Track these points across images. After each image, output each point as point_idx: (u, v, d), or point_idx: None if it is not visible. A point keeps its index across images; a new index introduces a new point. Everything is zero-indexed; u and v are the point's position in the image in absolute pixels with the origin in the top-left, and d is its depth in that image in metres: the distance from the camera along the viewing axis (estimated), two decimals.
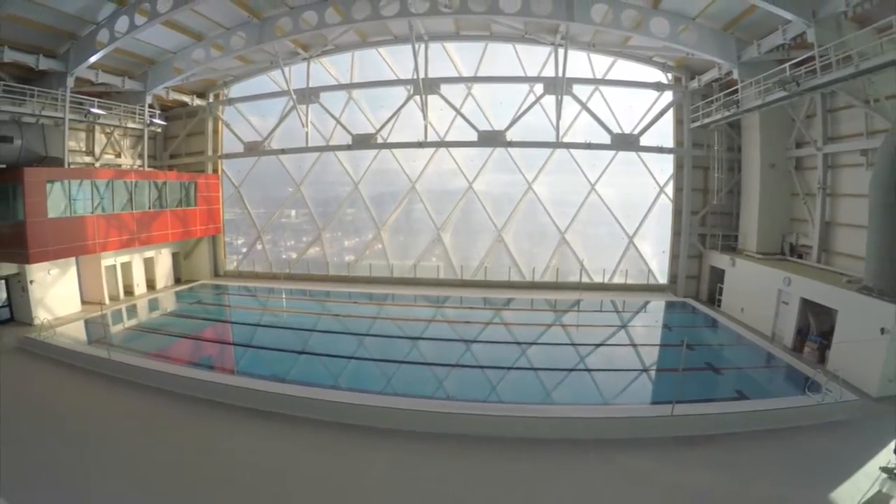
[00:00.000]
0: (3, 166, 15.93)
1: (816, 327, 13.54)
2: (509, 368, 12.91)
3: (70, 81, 16.54)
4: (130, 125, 19.76)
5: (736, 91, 15.82)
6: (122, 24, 15.12)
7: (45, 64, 16.18)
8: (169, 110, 22.74)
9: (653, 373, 13.30)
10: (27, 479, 7.37)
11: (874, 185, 11.91)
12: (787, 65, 13.30)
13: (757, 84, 14.54)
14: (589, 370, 13.32)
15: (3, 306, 17.27)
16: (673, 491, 7.61)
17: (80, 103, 17.30)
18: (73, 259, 17.91)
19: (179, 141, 23.32)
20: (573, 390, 12.17)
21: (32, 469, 7.59)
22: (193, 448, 8.76)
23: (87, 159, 20.28)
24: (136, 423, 9.66)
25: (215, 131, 23.28)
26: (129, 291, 20.54)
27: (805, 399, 10.13)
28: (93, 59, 16.07)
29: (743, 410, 9.90)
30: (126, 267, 20.51)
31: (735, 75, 15.82)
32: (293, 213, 24.68)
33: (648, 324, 18.52)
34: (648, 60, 19.54)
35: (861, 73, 11.43)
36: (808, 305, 13.79)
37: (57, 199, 15.77)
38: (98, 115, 17.65)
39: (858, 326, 11.42)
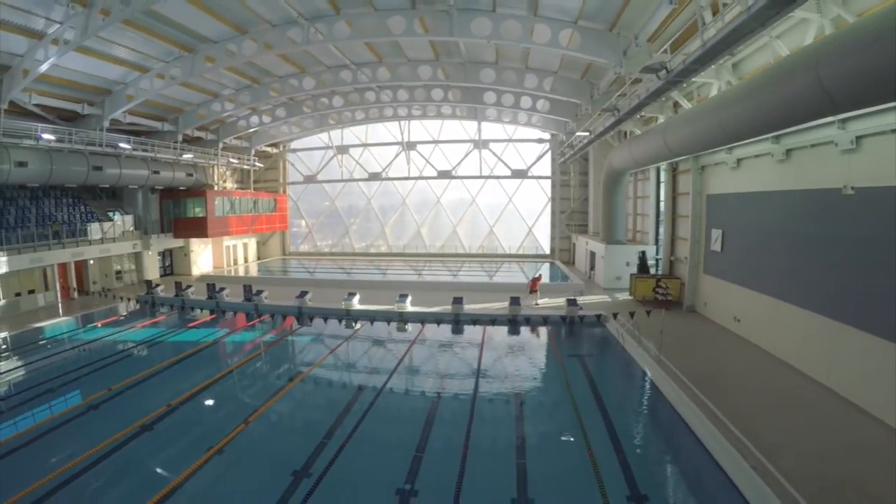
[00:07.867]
0: (184, 189, 30.85)
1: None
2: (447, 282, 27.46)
3: (220, 145, 31.50)
4: (244, 166, 34.77)
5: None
6: (255, 119, 30.11)
7: (208, 136, 31.18)
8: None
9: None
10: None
11: (602, 193, 26.39)
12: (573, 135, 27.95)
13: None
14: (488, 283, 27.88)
15: (167, 265, 32.00)
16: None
17: (223, 155, 32.26)
18: (209, 240, 32.55)
19: (259, 173, 38.30)
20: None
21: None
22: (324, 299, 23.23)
23: (209, 184, 35.13)
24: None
25: (283, 168, 38.35)
26: (234, 262, 35.19)
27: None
28: (236, 135, 31.13)
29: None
30: (234, 248, 35.21)
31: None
32: (330, 217, 39.46)
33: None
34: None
35: (577, 152, 26.10)
36: (592, 254, 28.16)
37: (218, 206, 30.52)
38: (233, 162, 32.65)
39: (601, 259, 25.82)
